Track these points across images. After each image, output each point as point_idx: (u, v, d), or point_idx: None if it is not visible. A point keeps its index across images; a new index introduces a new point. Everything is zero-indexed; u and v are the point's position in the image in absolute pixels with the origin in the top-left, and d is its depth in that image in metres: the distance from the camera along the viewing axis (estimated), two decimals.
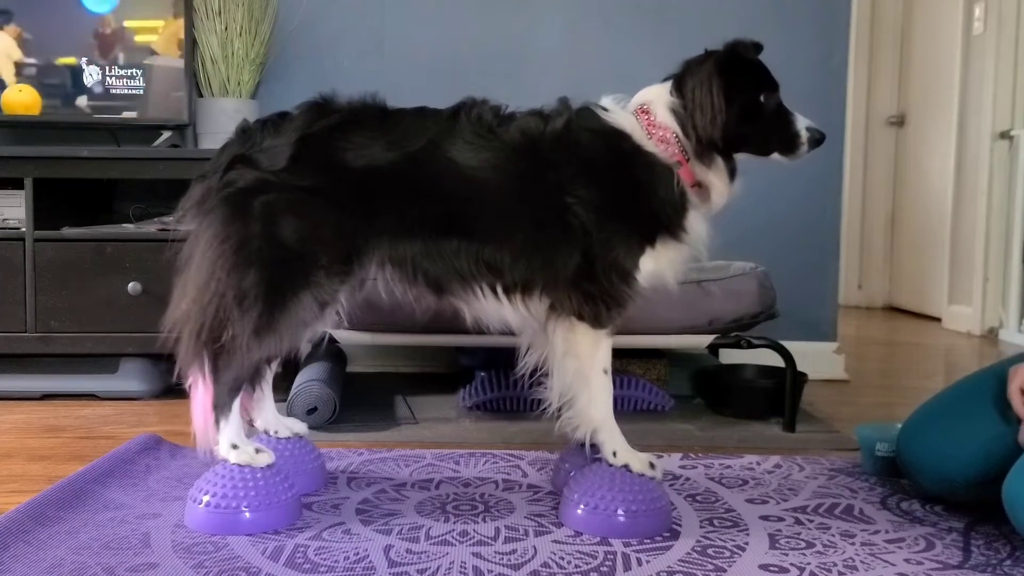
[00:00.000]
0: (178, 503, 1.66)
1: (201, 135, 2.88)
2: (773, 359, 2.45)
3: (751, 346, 2.43)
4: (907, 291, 5.53)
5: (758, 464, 2.03)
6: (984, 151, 4.45)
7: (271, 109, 1.72)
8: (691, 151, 1.60)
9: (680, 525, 1.63)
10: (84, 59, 2.76)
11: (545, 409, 1.66)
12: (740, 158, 1.64)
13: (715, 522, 1.65)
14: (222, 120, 2.80)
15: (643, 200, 1.60)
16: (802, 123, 1.62)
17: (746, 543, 1.55)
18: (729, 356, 2.85)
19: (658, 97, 1.63)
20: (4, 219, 2.62)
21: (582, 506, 1.58)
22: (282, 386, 2.24)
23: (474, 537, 1.55)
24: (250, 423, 1.76)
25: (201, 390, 1.59)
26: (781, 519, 1.68)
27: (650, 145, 1.60)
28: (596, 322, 1.61)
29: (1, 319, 2.59)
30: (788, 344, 2.42)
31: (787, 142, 1.62)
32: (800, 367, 2.42)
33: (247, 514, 1.53)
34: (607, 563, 1.45)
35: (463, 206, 1.60)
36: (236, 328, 1.54)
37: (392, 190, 1.58)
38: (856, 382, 3.17)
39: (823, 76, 3.09)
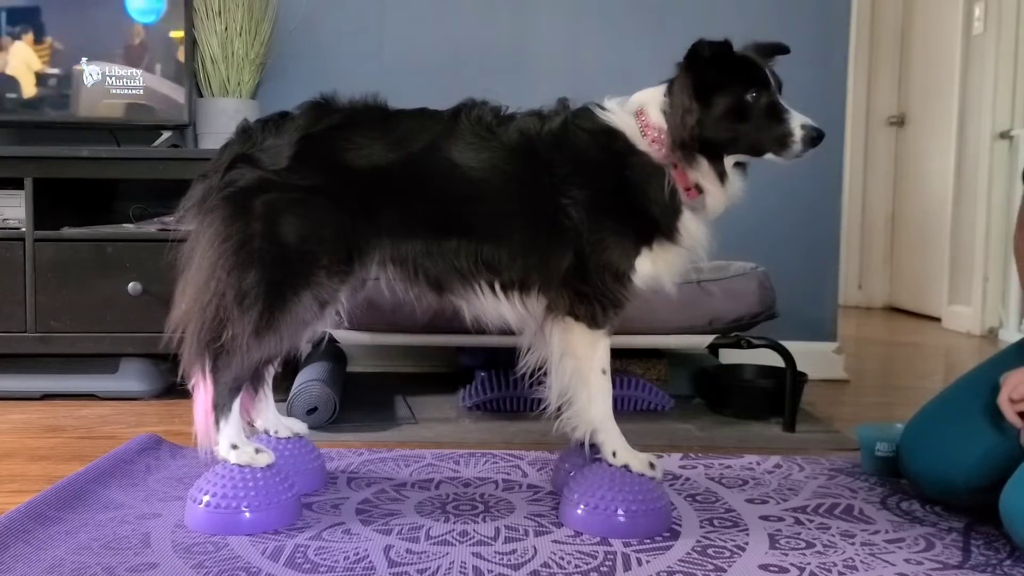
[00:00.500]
0: (178, 503, 1.66)
1: (201, 135, 2.88)
2: (773, 359, 2.45)
3: (751, 346, 2.43)
4: (907, 291, 5.53)
5: (758, 464, 2.03)
6: (984, 151, 4.45)
7: (271, 109, 1.72)
8: (674, 152, 1.58)
9: (680, 525, 1.63)
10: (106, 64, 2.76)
11: (545, 409, 1.66)
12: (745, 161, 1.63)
13: (715, 522, 1.65)
14: (222, 120, 2.80)
15: (633, 200, 1.59)
16: (797, 121, 1.55)
17: (746, 543, 1.55)
18: (729, 356, 2.85)
19: (652, 98, 1.62)
20: (4, 219, 2.62)
21: (582, 506, 1.58)
22: (282, 386, 2.24)
23: (474, 537, 1.55)
24: (250, 424, 1.76)
25: (203, 390, 1.60)
26: (781, 519, 1.68)
27: (643, 146, 1.60)
28: (592, 322, 1.61)
29: (1, 319, 2.59)
30: (788, 344, 2.42)
31: (778, 141, 1.56)
32: (800, 367, 2.42)
33: (247, 514, 1.53)
34: (607, 563, 1.45)
35: (463, 206, 1.60)
36: (236, 328, 1.54)
37: (393, 190, 1.59)
38: (856, 382, 3.17)
39: (823, 76, 3.08)
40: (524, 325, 1.70)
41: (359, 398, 2.62)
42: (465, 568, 1.42)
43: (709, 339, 2.44)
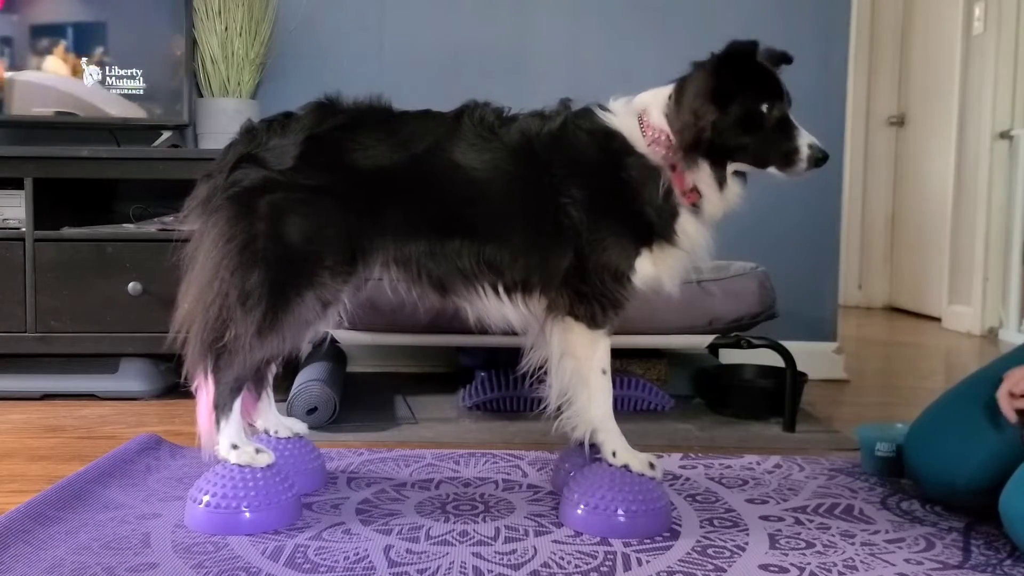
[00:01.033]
0: (178, 503, 1.66)
1: (201, 135, 2.88)
2: (773, 359, 2.45)
3: (751, 346, 2.43)
4: (907, 291, 5.53)
5: (758, 464, 2.03)
6: (984, 151, 4.45)
7: (271, 109, 1.72)
8: (676, 153, 1.57)
9: (680, 525, 1.63)
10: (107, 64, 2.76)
11: (545, 409, 1.66)
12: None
13: (715, 522, 1.65)
14: (222, 120, 2.80)
15: (630, 201, 1.59)
16: (805, 139, 1.56)
17: (746, 543, 1.55)
18: (729, 356, 2.85)
19: (655, 99, 1.62)
20: (4, 219, 2.62)
21: (582, 506, 1.58)
22: (282, 386, 2.24)
23: (474, 537, 1.55)
24: (251, 425, 1.76)
25: (205, 391, 1.60)
26: (781, 519, 1.68)
27: (642, 147, 1.60)
28: (592, 322, 1.61)
29: (1, 319, 2.59)
30: (788, 344, 2.42)
31: (785, 156, 1.56)
32: (800, 367, 2.42)
33: (247, 514, 1.53)
34: (607, 563, 1.45)
35: (465, 206, 1.60)
36: (239, 328, 1.54)
37: (397, 190, 1.59)
38: (856, 382, 3.17)
39: (823, 76, 3.09)
40: (527, 326, 1.70)
41: (359, 398, 2.62)
42: (465, 568, 1.42)
43: (709, 339, 2.45)
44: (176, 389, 2.68)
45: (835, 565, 1.46)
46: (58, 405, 2.55)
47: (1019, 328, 4.24)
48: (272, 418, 1.80)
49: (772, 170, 1.59)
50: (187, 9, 2.77)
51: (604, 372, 1.64)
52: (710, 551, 1.51)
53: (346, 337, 2.40)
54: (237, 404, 1.59)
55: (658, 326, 2.37)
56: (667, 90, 1.62)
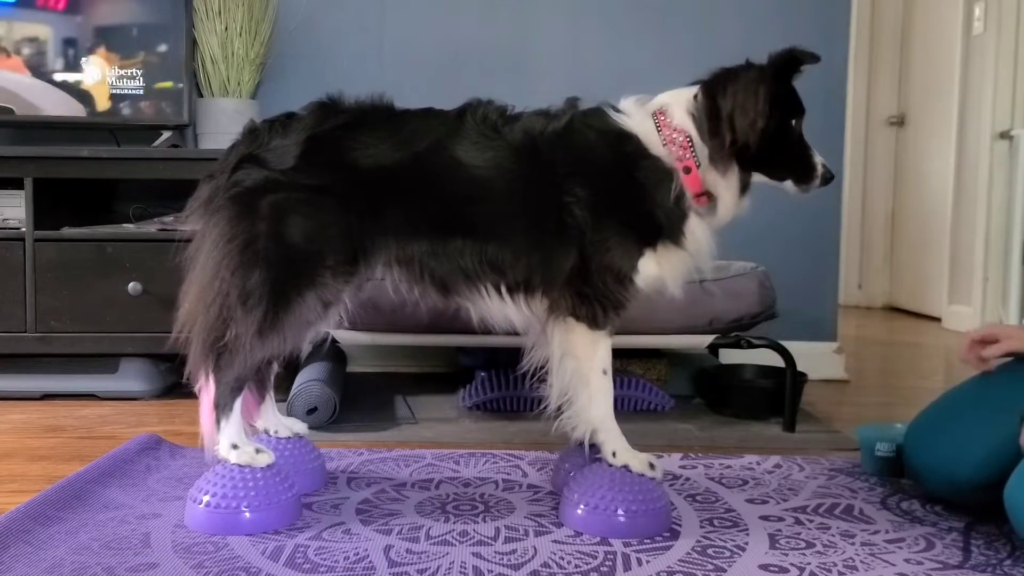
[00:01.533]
0: (178, 503, 1.66)
1: (201, 135, 2.88)
2: (773, 359, 2.45)
3: (751, 346, 2.43)
4: (907, 291, 5.54)
5: (758, 464, 2.03)
6: (984, 151, 4.45)
7: (271, 109, 1.72)
8: (709, 155, 1.57)
9: (680, 525, 1.63)
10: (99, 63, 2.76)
11: (545, 409, 1.66)
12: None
13: (715, 522, 1.65)
14: (222, 120, 2.80)
15: (639, 202, 1.59)
16: (818, 159, 1.61)
17: (746, 543, 1.55)
18: (729, 356, 2.85)
19: (677, 100, 1.61)
20: (4, 219, 2.62)
21: (582, 506, 1.58)
22: (282, 386, 2.24)
23: (474, 537, 1.55)
24: (251, 425, 1.76)
25: (207, 392, 1.60)
26: (781, 519, 1.68)
27: (655, 147, 1.59)
28: (593, 323, 1.61)
29: (1, 319, 2.59)
30: (788, 344, 2.42)
31: (804, 173, 1.60)
32: (800, 367, 2.42)
33: (247, 514, 1.53)
34: (607, 563, 1.45)
35: (468, 205, 1.60)
36: (239, 327, 1.54)
37: (399, 190, 1.59)
38: (856, 382, 3.17)
39: (823, 76, 3.08)
40: (529, 326, 1.69)
41: (359, 398, 2.62)
42: (465, 568, 1.42)
43: (709, 339, 2.44)
44: (176, 389, 2.68)
45: (835, 565, 1.46)
46: (58, 405, 2.55)
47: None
48: (272, 418, 1.80)
49: (788, 184, 1.62)
50: (187, 9, 2.77)
51: (605, 372, 1.64)
52: (710, 551, 1.51)
53: (346, 337, 2.40)
54: (237, 404, 1.59)
55: (658, 326, 2.37)
56: (690, 91, 1.61)
